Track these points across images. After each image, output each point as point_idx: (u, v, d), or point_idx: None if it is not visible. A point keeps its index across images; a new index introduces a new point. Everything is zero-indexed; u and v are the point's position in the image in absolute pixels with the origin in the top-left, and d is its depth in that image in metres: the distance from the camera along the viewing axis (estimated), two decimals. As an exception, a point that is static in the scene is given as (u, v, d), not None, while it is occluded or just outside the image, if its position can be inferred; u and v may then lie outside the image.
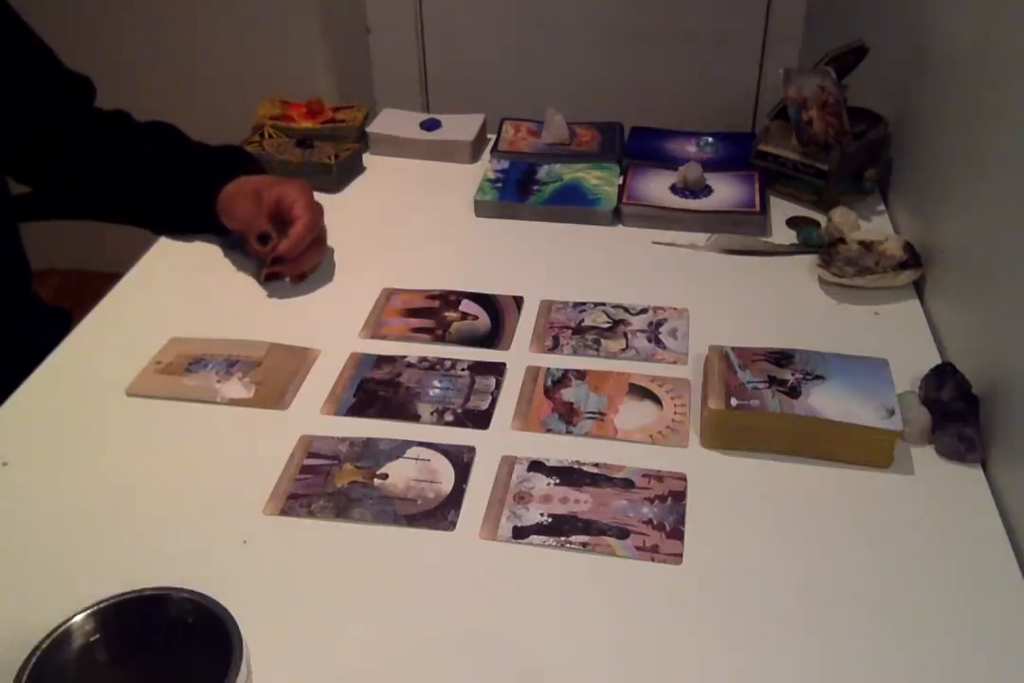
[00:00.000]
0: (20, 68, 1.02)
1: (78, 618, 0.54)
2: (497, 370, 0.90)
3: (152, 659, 0.55)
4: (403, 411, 0.85)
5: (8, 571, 0.70)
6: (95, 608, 0.54)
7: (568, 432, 0.82)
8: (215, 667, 0.50)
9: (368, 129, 1.30)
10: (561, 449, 0.80)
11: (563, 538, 0.72)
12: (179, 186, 1.06)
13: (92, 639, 0.54)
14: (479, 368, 0.90)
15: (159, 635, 0.55)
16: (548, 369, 0.89)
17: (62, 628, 0.53)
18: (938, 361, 0.88)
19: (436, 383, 0.88)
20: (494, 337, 0.95)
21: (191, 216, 1.07)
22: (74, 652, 0.54)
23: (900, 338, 0.94)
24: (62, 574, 0.70)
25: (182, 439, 0.82)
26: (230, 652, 0.51)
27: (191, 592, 0.55)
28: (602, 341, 0.93)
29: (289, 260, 0.99)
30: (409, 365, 0.90)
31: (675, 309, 0.98)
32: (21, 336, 1.00)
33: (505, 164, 1.23)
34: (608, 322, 0.96)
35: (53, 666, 0.52)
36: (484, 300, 1.00)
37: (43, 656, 0.52)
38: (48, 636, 0.53)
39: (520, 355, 0.92)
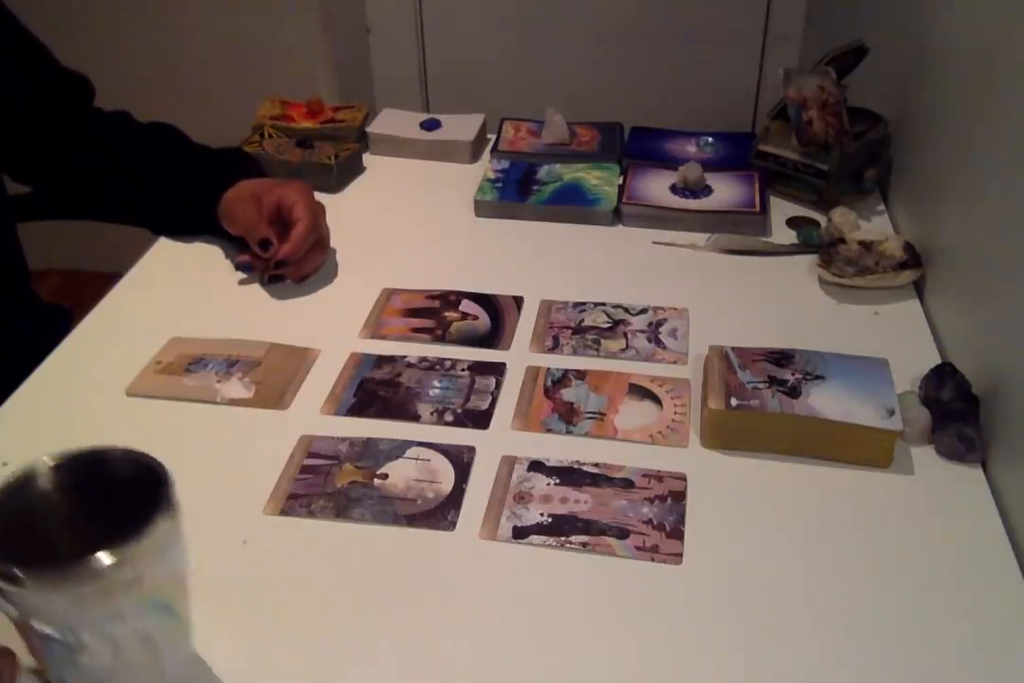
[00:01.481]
0: (16, 67, 1.02)
1: (38, 464, 0.59)
2: (497, 370, 0.90)
3: (103, 511, 0.58)
4: (403, 411, 0.85)
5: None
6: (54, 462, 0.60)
7: (568, 432, 0.82)
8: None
9: (368, 129, 1.30)
10: (561, 449, 0.80)
11: (563, 538, 0.72)
12: (179, 188, 1.05)
13: (50, 486, 0.59)
14: (479, 368, 0.90)
15: (110, 490, 0.59)
16: (548, 369, 0.89)
17: (24, 473, 0.58)
18: (938, 361, 0.88)
19: (436, 383, 0.88)
20: (494, 337, 0.94)
21: (191, 219, 1.07)
22: (35, 495, 0.58)
23: (900, 338, 0.93)
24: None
25: (182, 439, 0.82)
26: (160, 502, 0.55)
27: (130, 450, 0.60)
28: (602, 341, 0.93)
29: (292, 262, 0.99)
30: (409, 365, 0.90)
31: (675, 309, 0.98)
32: (21, 336, 1.00)
33: (505, 164, 1.23)
34: (608, 322, 0.96)
35: (16, 504, 0.57)
36: (484, 300, 1.00)
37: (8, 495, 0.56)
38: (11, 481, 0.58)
39: (520, 355, 0.92)
